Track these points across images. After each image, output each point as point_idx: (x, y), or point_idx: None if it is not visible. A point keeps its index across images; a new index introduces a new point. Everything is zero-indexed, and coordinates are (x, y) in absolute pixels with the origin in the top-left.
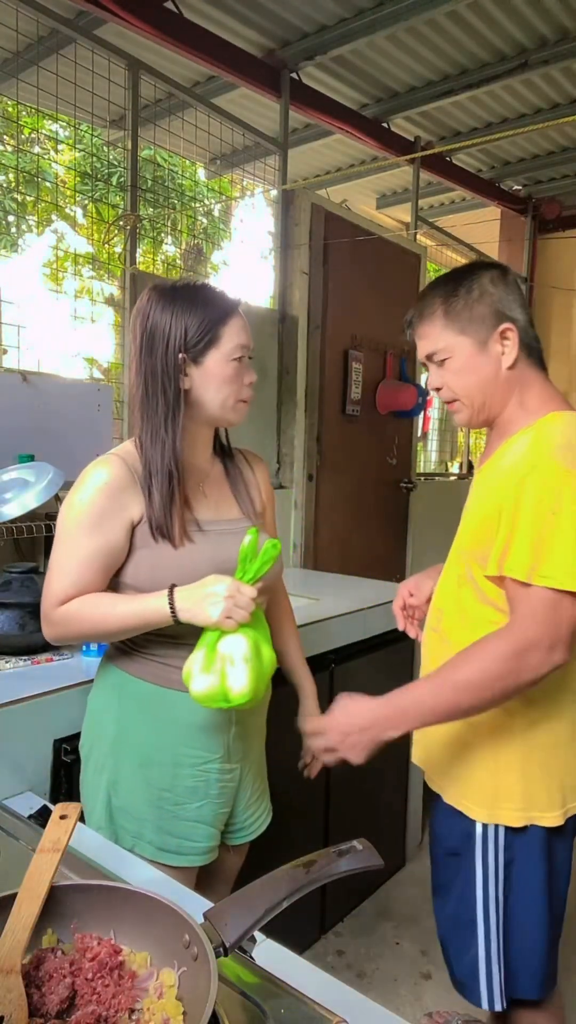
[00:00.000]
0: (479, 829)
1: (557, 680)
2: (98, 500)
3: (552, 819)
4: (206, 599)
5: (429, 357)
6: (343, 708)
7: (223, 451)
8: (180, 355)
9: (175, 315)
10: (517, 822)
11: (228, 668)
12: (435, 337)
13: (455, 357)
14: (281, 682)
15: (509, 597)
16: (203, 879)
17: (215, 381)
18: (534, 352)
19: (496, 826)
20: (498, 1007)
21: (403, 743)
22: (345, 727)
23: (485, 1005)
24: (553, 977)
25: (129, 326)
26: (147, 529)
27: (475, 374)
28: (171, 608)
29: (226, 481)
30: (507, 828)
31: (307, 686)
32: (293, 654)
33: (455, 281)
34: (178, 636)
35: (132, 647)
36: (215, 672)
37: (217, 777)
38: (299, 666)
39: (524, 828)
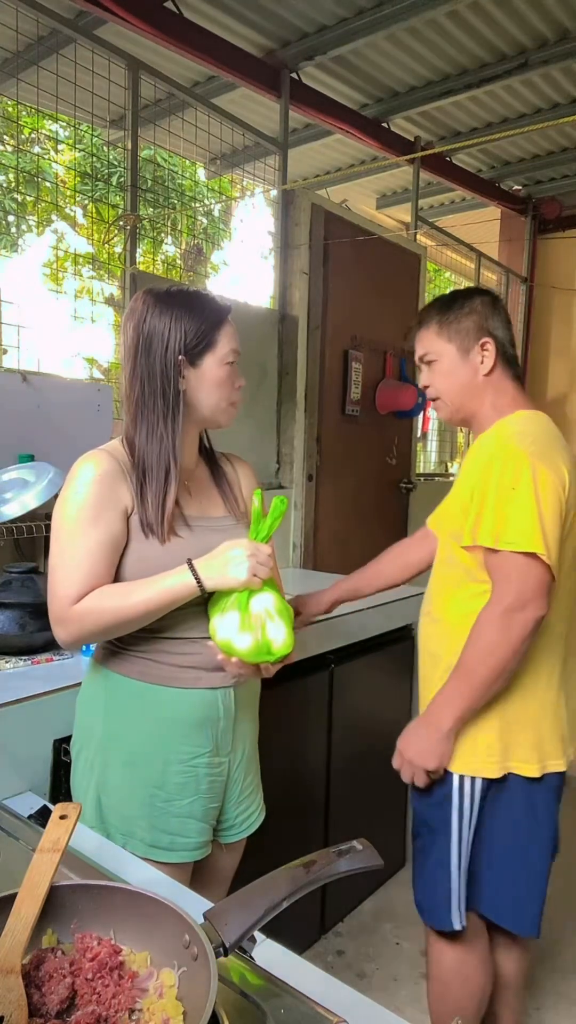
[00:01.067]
0: (455, 780)
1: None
2: (94, 492)
3: (530, 770)
4: (229, 563)
5: (421, 359)
6: (400, 737)
7: (207, 453)
8: (180, 356)
9: (174, 319)
10: (496, 773)
11: (267, 623)
12: (428, 342)
13: (441, 361)
14: (278, 682)
15: (487, 567)
16: (199, 879)
17: (210, 383)
18: (512, 365)
19: (472, 778)
20: (457, 926)
21: None
22: (403, 744)
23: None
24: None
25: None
26: (137, 522)
27: (456, 377)
28: (196, 580)
29: (211, 480)
30: (484, 779)
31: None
32: None
33: (452, 299)
34: (163, 630)
35: (119, 645)
36: (256, 628)
37: (206, 772)
38: None
39: (504, 778)
